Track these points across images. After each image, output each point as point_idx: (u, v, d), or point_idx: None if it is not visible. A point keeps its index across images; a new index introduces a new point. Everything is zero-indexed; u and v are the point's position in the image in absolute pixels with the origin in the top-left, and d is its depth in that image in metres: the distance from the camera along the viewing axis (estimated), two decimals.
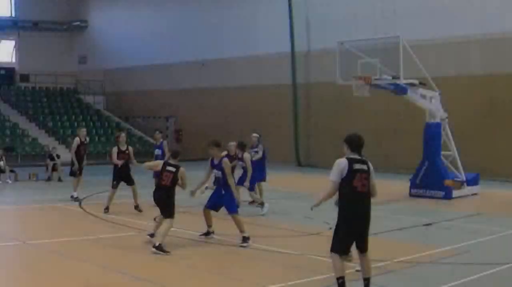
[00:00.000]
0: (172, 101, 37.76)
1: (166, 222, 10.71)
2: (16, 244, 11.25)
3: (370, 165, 7.72)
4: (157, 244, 10.20)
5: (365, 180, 7.53)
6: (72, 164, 16.93)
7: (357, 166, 7.52)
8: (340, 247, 7.53)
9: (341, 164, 7.53)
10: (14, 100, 39.63)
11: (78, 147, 16.88)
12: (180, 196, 11.31)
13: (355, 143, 7.65)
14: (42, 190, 20.16)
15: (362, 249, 7.64)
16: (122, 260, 9.92)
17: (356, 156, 7.61)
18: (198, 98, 36.41)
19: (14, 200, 17.66)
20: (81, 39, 44.67)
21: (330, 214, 10.40)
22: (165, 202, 10.86)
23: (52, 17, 43.16)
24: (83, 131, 17.53)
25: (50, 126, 36.99)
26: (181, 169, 10.94)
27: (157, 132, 17.36)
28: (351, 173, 7.45)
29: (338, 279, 7.52)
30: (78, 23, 44.05)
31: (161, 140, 16.78)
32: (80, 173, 16.99)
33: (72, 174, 17.04)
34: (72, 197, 16.63)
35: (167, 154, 16.05)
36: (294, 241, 11.83)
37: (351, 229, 7.53)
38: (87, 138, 18.02)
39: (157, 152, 16.65)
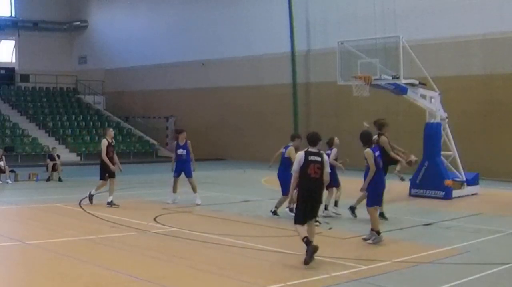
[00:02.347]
0: (172, 101, 37.75)
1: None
2: (16, 244, 11.24)
3: (325, 157, 9.76)
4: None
5: (318, 169, 9.53)
6: (105, 165, 15.82)
7: (311, 157, 9.55)
8: (300, 219, 9.63)
9: (299, 156, 9.68)
10: (14, 100, 39.65)
11: (107, 148, 15.88)
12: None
13: (310, 139, 9.79)
14: (42, 190, 20.14)
15: (311, 217, 9.72)
16: (122, 260, 9.91)
17: (313, 149, 9.67)
18: (198, 98, 36.40)
19: (14, 200, 17.62)
20: (81, 39, 44.67)
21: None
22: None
23: (52, 17, 43.16)
24: (111, 132, 16.46)
25: (50, 126, 36.99)
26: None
27: (184, 132, 17.09)
28: (306, 162, 9.50)
29: (303, 238, 9.42)
30: (78, 23, 44.07)
31: (185, 140, 16.75)
32: (113, 176, 15.93)
33: (102, 177, 15.94)
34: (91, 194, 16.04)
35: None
36: (294, 241, 11.81)
37: (306, 205, 9.56)
38: (113, 140, 16.64)
39: (181, 151, 16.55)
